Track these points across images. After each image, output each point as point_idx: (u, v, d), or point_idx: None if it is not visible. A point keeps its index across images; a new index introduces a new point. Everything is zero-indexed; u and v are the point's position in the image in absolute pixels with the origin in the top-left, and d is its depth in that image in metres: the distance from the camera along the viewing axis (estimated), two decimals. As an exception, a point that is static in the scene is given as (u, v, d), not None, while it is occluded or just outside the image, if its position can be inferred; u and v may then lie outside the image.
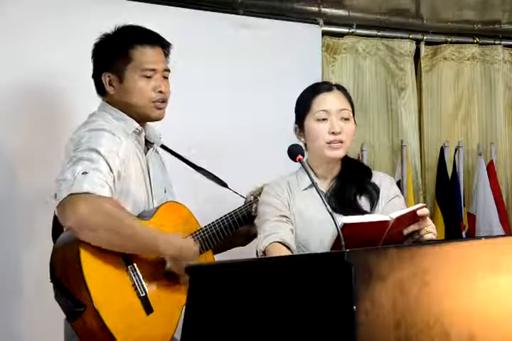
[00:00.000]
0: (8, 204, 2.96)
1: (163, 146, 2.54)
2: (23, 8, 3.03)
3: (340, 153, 2.21)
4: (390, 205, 2.22)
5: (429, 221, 2.00)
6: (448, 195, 4.28)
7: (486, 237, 1.74)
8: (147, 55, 2.30)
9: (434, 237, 2.00)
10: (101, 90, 2.35)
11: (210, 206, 2.85)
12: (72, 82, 3.00)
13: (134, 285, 2.12)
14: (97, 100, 2.38)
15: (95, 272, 2.03)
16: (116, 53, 2.29)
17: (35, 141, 3.00)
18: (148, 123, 2.40)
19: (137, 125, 2.31)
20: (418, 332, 1.40)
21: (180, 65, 2.46)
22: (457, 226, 4.23)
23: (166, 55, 2.38)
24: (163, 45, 2.36)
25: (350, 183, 2.23)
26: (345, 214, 2.08)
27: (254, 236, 2.35)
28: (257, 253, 2.16)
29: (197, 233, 2.35)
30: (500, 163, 4.53)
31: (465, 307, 1.52)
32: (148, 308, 2.13)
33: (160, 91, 2.30)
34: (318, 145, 2.19)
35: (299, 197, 2.23)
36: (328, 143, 2.18)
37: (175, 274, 2.21)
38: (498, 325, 1.58)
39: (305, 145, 2.26)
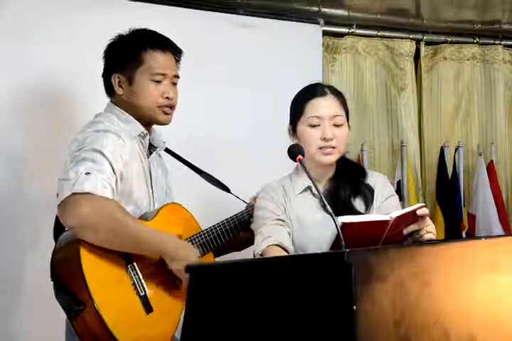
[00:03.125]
0: (13, 205, 2.95)
1: (167, 150, 2.54)
2: (23, 8, 3.03)
3: (332, 159, 2.21)
4: (384, 205, 2.22)
5: (428, 221, 2.00)
6: (448, 195, 4.28)
7: (486, 237, 1.74)
8: (158, 60, 2.30)
9: (433, 237, 2.00)
10: (109, 90, 2.35)
11: (212, 209, 2.84)
12: (73, 83, 3.00)
13: (133, 284, 2.12)
14: (98, 100, 2.37)
15: (95, 271, 2.03)
16: (128, 55, 2.29)
17: (36, 143, 3.00)
18: (153, 127, 2.40)
19: (143, 129, 2.31)
20: (418, 332, 1.40)
21: (180, 64, 2.46)
22: (457, 226, 4.23)
23: (177, 61, 2.38)
24: (175, 52, 2.36)
25: (345, 185, 2.23)
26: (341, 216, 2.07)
27: None
28: (254, 257, 2.17)
29: (197, 235, 2.35)
30: (500, 163, 4.53)
31: (465, 307, 1.52)
32: (148, 307, 2.13)
33: (167, 97, 2.30)
34: (310, 150, 2.18)
35: (295, 202, 2.23)
36: (320, 148, 2.18)
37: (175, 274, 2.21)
38: (498, 325, 1.58)
39: None
